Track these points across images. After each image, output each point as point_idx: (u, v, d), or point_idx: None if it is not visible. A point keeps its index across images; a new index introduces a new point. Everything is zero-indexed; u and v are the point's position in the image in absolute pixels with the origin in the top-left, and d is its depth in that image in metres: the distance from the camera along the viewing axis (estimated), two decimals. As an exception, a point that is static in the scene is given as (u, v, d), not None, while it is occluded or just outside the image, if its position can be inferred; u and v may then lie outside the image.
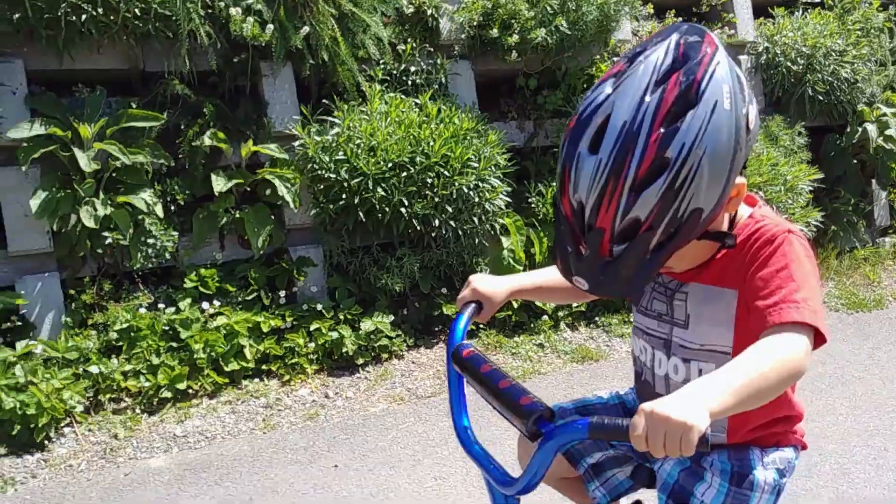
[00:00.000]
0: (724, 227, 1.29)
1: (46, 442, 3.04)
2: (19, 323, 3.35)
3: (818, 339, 1.15)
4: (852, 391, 3.64)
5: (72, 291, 3.51)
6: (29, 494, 2.78)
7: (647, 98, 1.11)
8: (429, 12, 4.36)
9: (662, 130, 1.09)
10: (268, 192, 3.90)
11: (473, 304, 1.47)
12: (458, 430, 1.31)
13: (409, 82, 4.37)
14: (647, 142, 1.09)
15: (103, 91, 3.63)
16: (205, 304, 3.65)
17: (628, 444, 1.05)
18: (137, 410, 3.30)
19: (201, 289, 3.72)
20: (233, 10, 3.65)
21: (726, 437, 1.39)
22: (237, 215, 3.82)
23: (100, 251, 3.52)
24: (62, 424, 3.13)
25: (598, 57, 4.86)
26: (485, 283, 1.49)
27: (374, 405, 3.52)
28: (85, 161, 3.33)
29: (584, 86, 4.77)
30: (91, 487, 2.81)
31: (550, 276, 1.57)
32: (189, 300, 3.66)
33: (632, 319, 1.57)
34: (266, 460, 3.02)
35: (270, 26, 3.71)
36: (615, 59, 4.90)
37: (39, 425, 3.01)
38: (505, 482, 1.22)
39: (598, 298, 2.08)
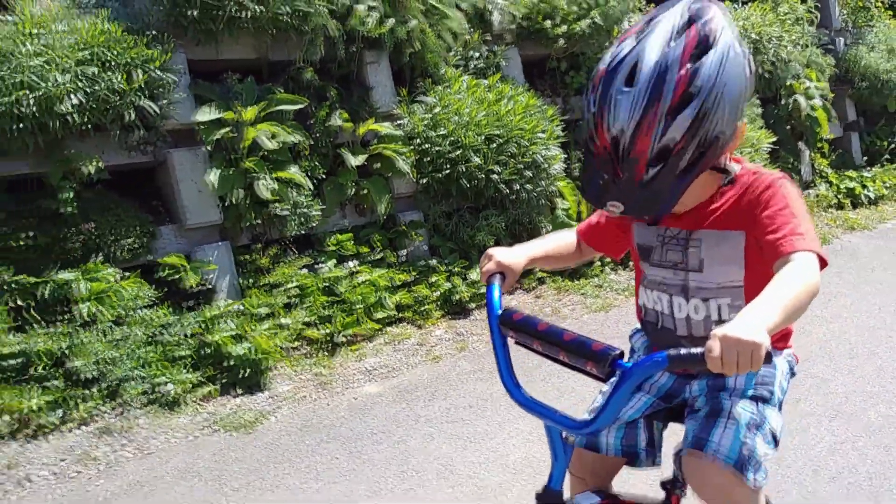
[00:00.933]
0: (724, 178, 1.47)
1: (268, 382, 3.53)
2: (208, 287, 3.76)
3: (821, 262, 1.31)
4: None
5: (244, 258, 3.94)
6: (290, 418, 3.27)
7: (672, 44, 1.27)
8: (486, 6, 5.05)
9: (689, 66, 1.25)
10: (377, 165, 4.47)
11: (499, 275, 1.54)
12: (511, 389, 1.39)
13: (472, 67, 5.05)
14: (677, 75, 1.24)
15: (252, 79, 4.05)
16: (350, 264, 4.20)
17: (701, 370, 1.15)
18: (321, 354, 3.83)
19: (340, 251, 4.26)
20: (360, 7, 4.17)
21: None
22: (361, 186, 4.37)
23: (258, 221, 3.98)
24: (272, 368, 3.62)
25: (608, 43, 5.76)
26: (505, 254, 1.57)
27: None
28: (266, 142, 3.77)
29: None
30: (334, 410, 3.35)
31: (555, 244, 1.71)
32: (332, 261, 4.19)
33: (638, 278, 1.67)
34: (454, 381, 3.66)
35: (391, 20, 4.27)
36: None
37: (262, 368, 3.49)
38: (577, 424, 1.32)
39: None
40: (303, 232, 4.14)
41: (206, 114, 3.74)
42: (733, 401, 1.52)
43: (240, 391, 3.45)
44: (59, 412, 3.05)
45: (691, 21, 1.28)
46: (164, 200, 3.94)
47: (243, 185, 3.85)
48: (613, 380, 1.26)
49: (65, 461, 2.91)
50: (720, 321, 1.47)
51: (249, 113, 3.85)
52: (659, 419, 1.65)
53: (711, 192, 1.46)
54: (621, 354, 1.25)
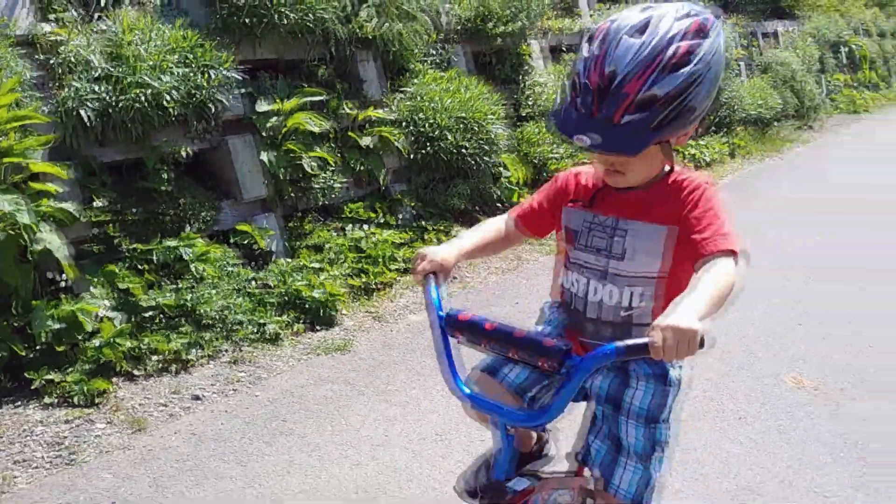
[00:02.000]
0: (664, 167, 1.57)
1: (338, 319, 4.39)
2: (268, 249, 4.53)
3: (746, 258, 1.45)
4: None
5: (290, 224, 4.73)
6: (369, 341, 4.14)
7: (679, 21, 1.43)
8: (438, 10, 6.07)
9: (687, 42, 1.41)
10: (376, 144, 5.36)
11: (433, 274, 1.57)
12: (456, 389, 1.47)
13: (430, 62, 6.06)
14: (682, 41, 1.41)
15: (282, 77, 4.81)
16: (365, 227, 5.10)
17: (645, 357, 1.26)
18: (363, 298, 4.72)
19: (355, 217, 5.14)
20: (362, 14, 5.05)
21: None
22: (363, 163, 5.26)
23: (293, 194, 4.78)
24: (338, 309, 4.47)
25: (525, 39, 6.97)
26: (437, 252, 1.61)
27: (494, 274, 5.34)
28: (313, 128, 4.58)
29: (517, 61, 6.86)
30: (399, 333, 4.28)
31: (483, 234, 1.78)
32: (351, 225, 5.07)
33: (561, 260, 1.75)
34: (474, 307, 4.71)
35: (394, 25, 5.17)
36: (532, 41, 7.06)
37: (333, 308, 4.35)
38: (527, 417, 1.43)
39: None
40: (327, 202, 4.99)
41: (262, 106, 4.49)
42: (632, 430, 1.63)
43: (318, 327, 4.29)
44: (194, 350, 3.77)
45: (690, 13, 1.46)
46: (217, 180, 4.62)
47: (286, 164, 4.64)
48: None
49: (215, 385, 3.65)
50: (629, 309, 1.60)
51: (289, 105, 4.64)
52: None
53: (652, 174, 1.57)
54: (570, 349, 1.35)
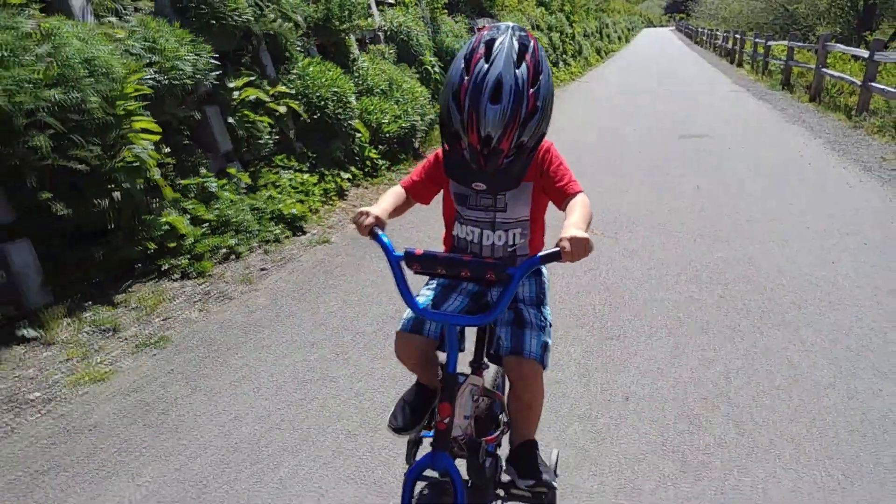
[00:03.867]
0: None
1: (305, 229, 6.28)
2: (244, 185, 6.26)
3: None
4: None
5: (251, 170, 6.46)
6: (342, 240, 6.11)
7: (518, 70, 1.76)
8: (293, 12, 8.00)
9: (532, 89, 1.77)
10: (282, 112, 7.21)
11: (376, 227, 1.91)
12: (417, 307, 1.84)
13: (299, 51, 7.99)
14: (527, 96, 1.76)
15: (230, 63, 6.49)
16: (289, 171, 6.98)
17: (557, 260, 1.66)
18: (311, 217, 6.63)
19: (281, 164, 6.99)
20: (269, 14, 6.87)
21: (530, 250, 2.16)
22: (279, 125, 7.11)
23: (245, 148, 6.53)
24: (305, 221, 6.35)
25: (348, 35, 9.13)
26: (374, 210, 1.95)
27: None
28: (263, 98, 6.37)
29: (345, 50, 9.01)
30: (353, 237, 6.31)
31: (395, 199, 2.12)
32: (280, 170, 6.92)
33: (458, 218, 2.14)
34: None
35: (283, 23, 7.04)
36: (351, 35, 9.27)
37: (303, 222, 6.25)
38: (477, 319, 1.79)
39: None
40: (265, 153, 6.79)
41: (230, 83, 6.19)
42: (529, 311, 2.12)
43: (297, 234, 6.17)
44: (241, 246, 5.51)
45: (523, 50, 1.80)
46: (197, 140, 6.19)
47: (242, 126, 6.39)
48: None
49: (265, 265, 5.44)
50: (513, 245, 2.10)
51: (240, 82, 6.39)
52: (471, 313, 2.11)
53: None
54: (507, 264, 1.78)
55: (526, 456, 2.19)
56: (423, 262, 1.83)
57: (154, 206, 5.07)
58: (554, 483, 2.21)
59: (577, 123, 12.51)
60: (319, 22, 8.36)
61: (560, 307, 4.48)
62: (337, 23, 8.46)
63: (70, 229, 4.47)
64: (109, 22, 5.23)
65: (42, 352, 3.88)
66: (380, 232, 1.92)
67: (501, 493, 2.29)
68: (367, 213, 1.93)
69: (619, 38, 44.96)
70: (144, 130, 4.82)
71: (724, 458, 2.95)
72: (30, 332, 3.97)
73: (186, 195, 5.50)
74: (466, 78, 1.78)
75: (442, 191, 2.18)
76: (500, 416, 2.34)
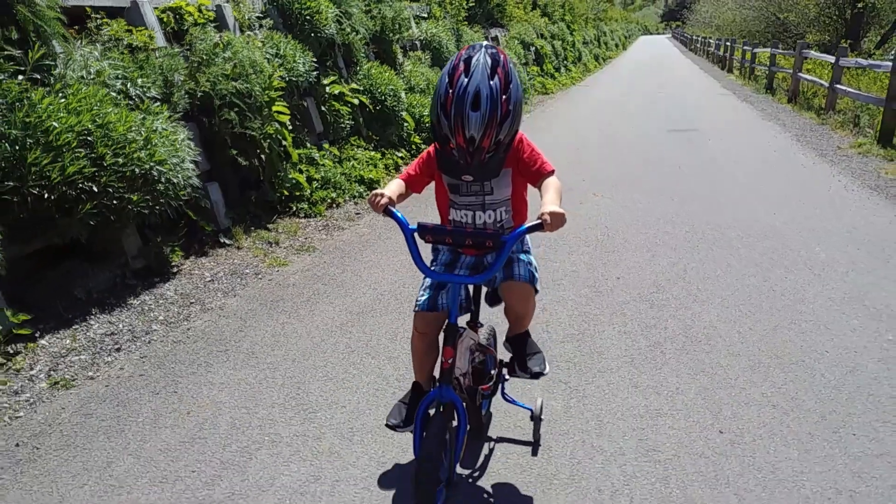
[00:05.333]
0: None
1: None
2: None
3: None
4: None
5: (337, 147, 8.50)
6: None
7: (492, 82, 2.14)
8: (353, 24, 10.03)
9: (504, 96, 2.15)
10: (356, 103, 9.24)
11: (389, 206, 2.27)
12: (427, 271, 2.28)
13: (363, 56, 10.01)
14: (501, 102, 2.14)
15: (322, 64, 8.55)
16: (360, 149, 9.01)
17: (539, 231, 2.11)
18: (383, 182, 8.63)
19: (355, 144, 9.02)
20: (347, 28, 8.90)
21: (514, 223, 2.54)
22: (352, 114, 9.13)
23: (332, 130, 8.55)
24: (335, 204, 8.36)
25: (395, 43, 11.16)
26: (387, 191, 2.31)
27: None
28: (345, 91, 8.41)
29: (392, 55, 11.03)
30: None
31: (398, 188, 2.48)
32: (355, 148, 8.94)
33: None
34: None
35: (354, 35, 9.06)
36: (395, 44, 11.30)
37: (379, 185, 8.26)
38: (477, 278, 2.24)
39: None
40: (345, 135, 8.79)
41: (326, 80, 8.22)
42: (517, 255, 2.60)
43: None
44: (339, 198, 7.53)
45: (495, 64, 2.19)
46: (302, 122, 8.17)
47: (331, 113, 8.41)
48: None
49: (359, 212, 7.44)
50: (500, 221, 2.51)
51: (330, 80, 8.41)
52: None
53: None
54: (501, 232, 2.24)
55: (520, 341, 2.81)
56: (434, 233, 2.24)
57: (285, 166, 7.09)
58: (539, 405, 3.06)
59: (580, 120, 14.57)
60: (376, 34, 10.38)
61: (571, 237, 6.50)
62: (389, 34, 10.49)
63: (237, 180, 6.49)
64: (249, 34, 7.25)
65: (236, 252, 5.89)
66: (394, 209, 2.29)
67: (493, 437, 3.03)
68: (382, 195, 2.28)
69: (617, 46, 47.12)
70: (279, 112, 6.83)
71: (679, 302, 4.93)
72: (226, 241, 5.99)
73: (300, 161, 7.52)
74: (451, 91, 2.14)
75: (433, 182, 2.59)
76: (492, 371, 2.89)
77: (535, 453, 3.02)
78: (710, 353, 4.05)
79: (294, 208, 6.98)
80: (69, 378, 3.74)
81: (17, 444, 3.17)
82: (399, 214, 2.31)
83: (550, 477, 2.88)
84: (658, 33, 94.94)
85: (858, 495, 2.79)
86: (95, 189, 4.34)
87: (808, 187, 8.32)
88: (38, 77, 4.44)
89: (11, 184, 3.97)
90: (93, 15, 5.38)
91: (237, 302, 4.93)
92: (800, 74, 16.90)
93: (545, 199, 2.26)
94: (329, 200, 7.43)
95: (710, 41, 38.95)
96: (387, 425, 2.65)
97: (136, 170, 4.61)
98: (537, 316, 4.17)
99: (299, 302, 4.91)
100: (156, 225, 5.25)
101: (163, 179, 4.82)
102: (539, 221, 2.14)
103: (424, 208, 6.47)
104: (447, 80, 2.18)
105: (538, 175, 2.42)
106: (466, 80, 2.15)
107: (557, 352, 4.08)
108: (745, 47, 26.45)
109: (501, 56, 2.24)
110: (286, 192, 6.96)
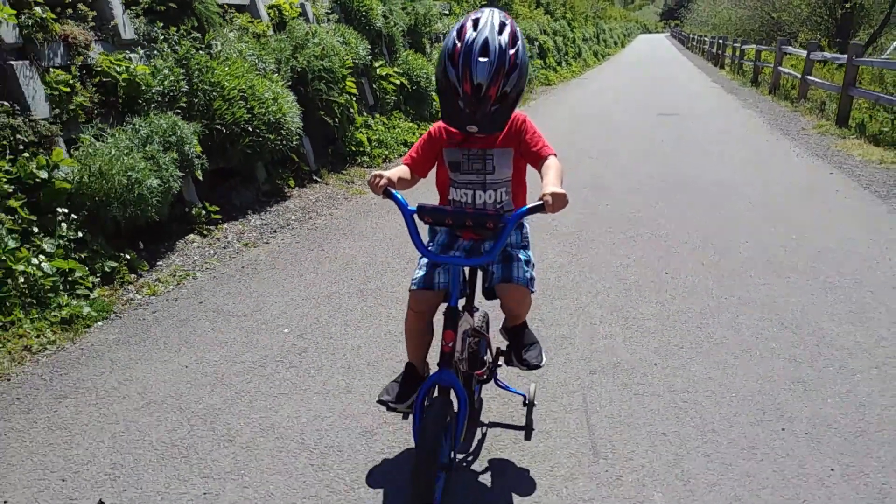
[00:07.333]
0: None
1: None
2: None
3: None
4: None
5: (383, 117, 10.56)
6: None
7: (500, 36, 2.17)
8: (390, 17, 12.09)
9: (512, 51, 2.18)
10: (397, 82, 11.27)
11: (389, 188, 2.22)
12: (426, 253, 2.23)
13: (402, 45, 12.06)
14: (509, 55, 2.17)
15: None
16: (401, 120, 11.06)
17: (541, 212, 2.05)
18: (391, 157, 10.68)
19: (397, 116, 11.07)
20: (390, 21, 10.94)
21: (514, 205, 2.54)
22: (394, 92, 11.19)
23: (379, 103, 10.61)
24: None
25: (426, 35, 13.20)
26: (387, 174, 2.28)
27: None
28: (390, 73, 10.47)
29: (423, 45, 13.06)
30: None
31: (401, 173, 2.45)
32: (396, 119, 10.98)
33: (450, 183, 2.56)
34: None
35: (396, 28, 11.10)
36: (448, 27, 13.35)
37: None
38: (479, 259, 2.26)
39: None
40: (388, 109, 10.83)
41: (377, 63, 10.29)
42: (516, 252, 2.56)
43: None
44: (391, 155, 9.58)
45: (503, 23, 2.22)
46: (359, 96, 10.22)
47: (380, 90, 10.45)
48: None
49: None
50: (500, 202, 2.50)
51: (378, 63, 10.47)
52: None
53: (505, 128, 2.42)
54: (502, 214, 2.15)
55: (517, 332, 2.80)
56: (433, 214, 2.24)
57: (351, 129, 9.13)
58: (532, 391, 3.05)
59: (580, 105, 16.63)
60: (411, 27, 12.42)
61: (573, 181, 8.54)
62: (421, 27, 12.54)
63: (319, 136, 8.56)
64: (324, 26, 9.29)
65: (326, 186, 7.95)
66: (393, 191, 2.29)
67: (486, 421, 3.01)
68: (381, 176, 2.27)
69: (615, 44, 49.03)
70: (349, 86, 8.86)
71: (650, 220, 6.94)
72: (317, 178, 8.05)
73: (362, 126, 9.57)
74: (459, 43, 2.19)
75: (436, 165, 2.58)
76: (486, 357, 2.84)
77: (528, 437, 2.98)
78: (668, 241, 6.10)
79: (359, 160, 9.04)
80: (252, 243, 5.85)
81: (243, 267, 5.32)
82: (398, 195, 2.30)
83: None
84: (657, 32, 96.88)
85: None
86: (250, 129, 6.40)
87: (766, 156, 10.33)
88: (211, 53, 6.49)
89: (206, 122, 6.03)
90: (227, 10, 7.43)
91: (339, 212, 7.02)
92: (780, 68, 18.86)
93: (546, 181, 2.26)
94: (383, 156, 9.48)
95: (706, 39, 40.67)
96: (378, 401, 2.67)
97: (271, 118, 6.66)
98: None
99: (381, 213, 6.96)
100: (276, 161, 7.31)
101: (285, 127, 6.87)
102: (541, 202, 2.12)
103: (424, 193, 8.46)
104: (455, 35, 2.23)
105: (538, 156, 2.43)
106: (475, 33, 2.19)
107: (560, 249, 6.13)
108: (734, 44, 28.31)
109: (509, 20, 2.30)
110: (353, 148, 9.01)
